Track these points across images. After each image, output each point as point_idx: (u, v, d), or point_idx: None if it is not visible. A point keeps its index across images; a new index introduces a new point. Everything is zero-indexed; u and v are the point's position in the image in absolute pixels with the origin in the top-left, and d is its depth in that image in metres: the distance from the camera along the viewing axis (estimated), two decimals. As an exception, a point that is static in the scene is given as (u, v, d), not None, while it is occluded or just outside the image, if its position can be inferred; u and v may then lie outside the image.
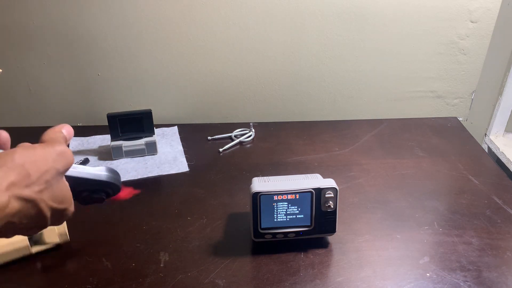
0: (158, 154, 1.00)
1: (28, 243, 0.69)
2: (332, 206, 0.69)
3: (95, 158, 0.98)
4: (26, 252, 0.69)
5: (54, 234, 0.72)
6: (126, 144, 0.96)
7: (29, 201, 0.38)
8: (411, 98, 1.22)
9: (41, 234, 0.73)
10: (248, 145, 1.04)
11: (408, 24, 1.10)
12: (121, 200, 0.84)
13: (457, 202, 0.84)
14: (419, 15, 1.09)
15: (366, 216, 0.81)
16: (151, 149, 0.98)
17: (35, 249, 0.71)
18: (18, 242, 0.68)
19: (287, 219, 0.70)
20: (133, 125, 0.97)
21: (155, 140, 0.98)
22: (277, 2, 1.05)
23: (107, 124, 0.95)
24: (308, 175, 0.73)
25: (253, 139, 1.07)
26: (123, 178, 0.91)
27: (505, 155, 1.14)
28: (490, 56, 1.15)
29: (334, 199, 0.69)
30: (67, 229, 0.73)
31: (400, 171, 0.94)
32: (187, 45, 1.10)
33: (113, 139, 0.97)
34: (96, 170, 0.48)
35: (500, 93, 1.18)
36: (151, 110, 0.97)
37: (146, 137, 0.98)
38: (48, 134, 0.44)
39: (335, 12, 1.07)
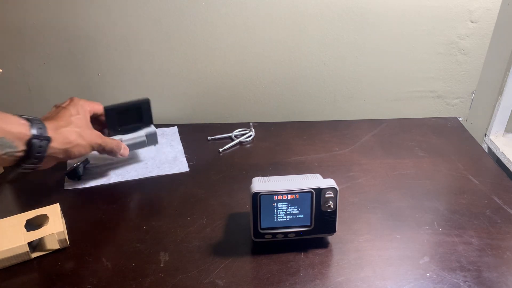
0: (158, 154, 0.99)
1: (28, 249, 0.68)
2: (332, 206, 0.69)
3: (95, 156, 0.98)
4: (25, 258, 0.69)
5: (54, 240, 0.72)
6: (126, 138, 0.93)
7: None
8: (411, 98, 1.22)
9: (41, 240, 0.73)
10: (248, 145, 1.04)
11: (408, 24, 1.10)
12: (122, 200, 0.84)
13: (457, 202, 0.84)
14: (419, 15, 1.09)
15: (366, 216, 0.81)
16: (152, 140, 0.95)
17: (35, 255, 0.71)
18: (18, 248, 0.68)
19: (287, 219, 0.70)
20: (130, 116, 0.92)
21: (155, 130, 0.95)
22: (277, 2, 1.05)
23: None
24: (308, 175, 0.73)
25: (253, 139, 1.06)
26: (123, 178, 0.91)
27: (505, 155, 1.14)
28: (490, 56, 1.15)
29: (334, 199, 0.69)
30: (67, 235, 0.73)
31: (400, 171, 0.94)
32: (187, 45, 1.10)
33: (111, 134, 0.93)
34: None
35: (500, 93, 1.18)
36: (148, 98, 0.92)
37: (144, 127, 0.95)
38: (108, 141, 0.85)
39: (335, 12, 1.07)
